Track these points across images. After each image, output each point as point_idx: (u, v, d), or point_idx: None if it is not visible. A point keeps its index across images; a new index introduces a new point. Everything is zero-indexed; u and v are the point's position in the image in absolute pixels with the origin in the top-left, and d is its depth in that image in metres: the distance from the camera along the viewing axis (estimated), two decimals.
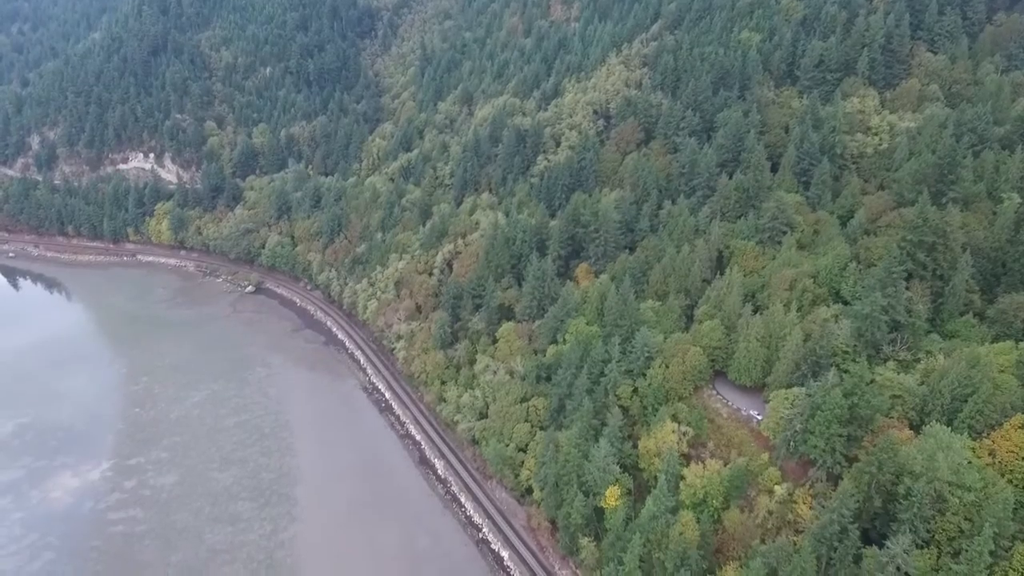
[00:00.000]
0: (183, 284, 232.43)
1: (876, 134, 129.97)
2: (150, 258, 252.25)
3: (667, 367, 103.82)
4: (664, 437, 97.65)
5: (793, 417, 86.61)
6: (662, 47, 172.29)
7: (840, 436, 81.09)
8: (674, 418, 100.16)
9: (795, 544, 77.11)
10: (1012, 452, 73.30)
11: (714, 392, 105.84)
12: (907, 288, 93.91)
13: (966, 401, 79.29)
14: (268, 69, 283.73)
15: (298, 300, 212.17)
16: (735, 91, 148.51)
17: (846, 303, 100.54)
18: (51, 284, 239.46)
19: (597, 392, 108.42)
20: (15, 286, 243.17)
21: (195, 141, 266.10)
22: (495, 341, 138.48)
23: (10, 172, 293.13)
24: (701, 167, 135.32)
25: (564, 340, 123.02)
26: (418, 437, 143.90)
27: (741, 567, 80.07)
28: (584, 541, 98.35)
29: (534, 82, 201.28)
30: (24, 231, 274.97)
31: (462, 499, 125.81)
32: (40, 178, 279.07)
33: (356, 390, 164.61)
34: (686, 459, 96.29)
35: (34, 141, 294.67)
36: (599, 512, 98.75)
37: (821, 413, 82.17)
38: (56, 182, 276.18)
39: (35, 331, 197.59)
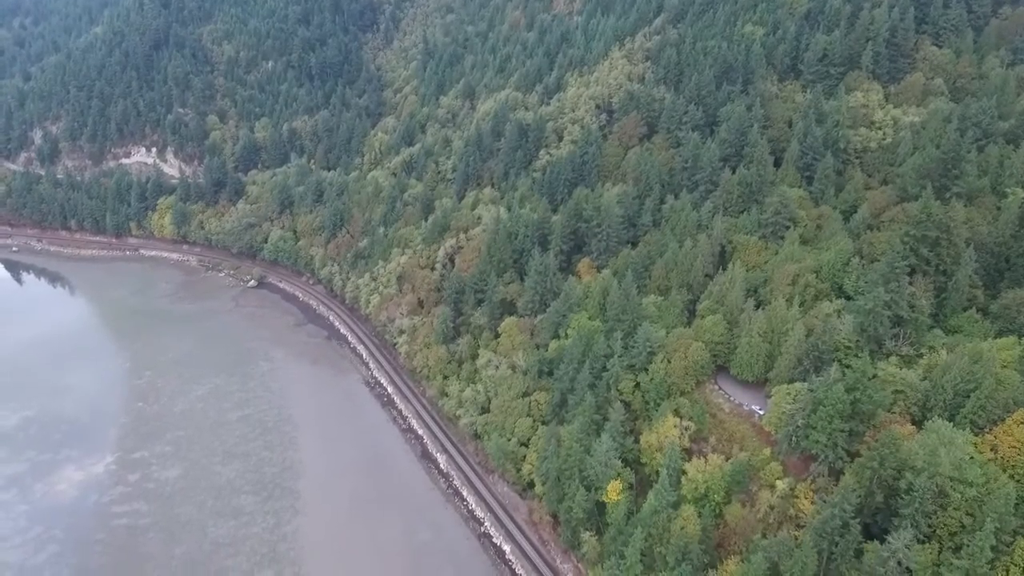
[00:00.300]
0: (186, 278, 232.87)
1: (880, 128, 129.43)
2: (153, 252, 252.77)
3: (669, 362, 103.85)
4: (666, 432, 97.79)
5: (795, 412, 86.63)
6: (665, 41, 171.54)
7: (842, 431, 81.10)
8: (676, 413, 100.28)
9: (796, 539, 77.26)
10: (1014, 448, 73.26)
11: (716, 387, 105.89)
12: (910, 283, 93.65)
13: (968, 396, 79.21)
14: (270, 63, 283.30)
15: (300, 295, 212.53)
16: (738, 85, 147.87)
17: (849, 298, 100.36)
18: (54, 278, 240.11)
19: (599, 387, 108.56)
20: (19, 280, 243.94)
21: (197, 135, 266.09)
22: (497, 336, 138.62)
23: (13, 166, 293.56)
24: (704, 162, 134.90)
25: (566, 335, 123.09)
26: (420, 431, 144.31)
27: (742, 561, 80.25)
28: (586, 535, 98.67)
29: (536, 76, 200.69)
30: (27, 225, 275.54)
31: (464, 493, 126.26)
32: (43, 172, 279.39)
33: (358, 384, 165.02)
34: (688, 454, 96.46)
35: (37, 135, 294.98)
36: (601, 506, 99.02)
37: (823, 408, 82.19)
38: (59, 176, 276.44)
39: (39, 325, 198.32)
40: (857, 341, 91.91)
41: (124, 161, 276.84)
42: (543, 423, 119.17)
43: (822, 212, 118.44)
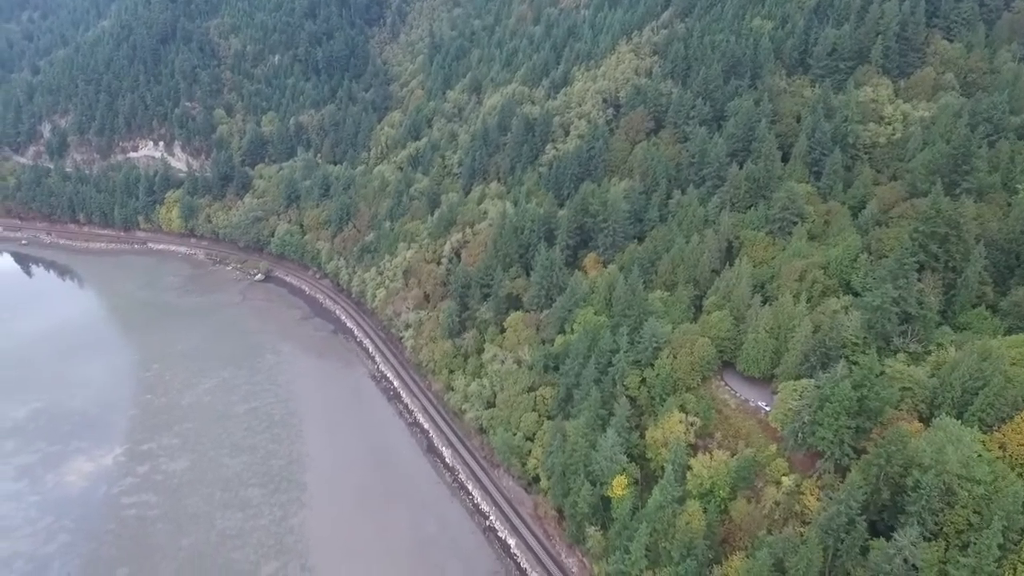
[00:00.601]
0: (193, 272, 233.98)
1: (889, 124, 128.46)
2: (160, 246, 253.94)
3: (675, 357, 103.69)
4: (671, 427, 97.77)
5: (801, 408, 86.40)
6: (673, 35, 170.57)
7: (848, 428, 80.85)
8: (682, 408, 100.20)
9: (802, 535, 77.16)
10: (1023, 446, 72.84)
11: (722, 383, 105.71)
12: (919, 280, 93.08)
13: (977, 394, 78.78)
14: (277, 57, 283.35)
15: (307, 288, 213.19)
16: (746, 80, 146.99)
17: (856, 295, 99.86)
18: (63, 271, 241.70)
19: (605, 382, 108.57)
20: (28, 273, 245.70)
21: (204, 129, 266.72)
22: (503, 330, 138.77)
23: (22, 160, 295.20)
24: (711, 157, 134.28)
25: (572, 330, 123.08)
26: (426, 425, 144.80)
27: (747, 557, 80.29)
28: (591, 530, 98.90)
29: (543, 70, 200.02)
30: (36, 218, 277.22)
31: (469, 487, 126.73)
32: (52, 166, 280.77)
33: (365, 378, 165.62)
34: (693, 449, 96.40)
35: (45, 129, 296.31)
36: (606, 501, 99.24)
37: (830, 405, 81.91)
38: (67, 170, 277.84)
39: (48, 317, 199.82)
40: (865, 338, 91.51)
41: (132, 155, 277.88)
42: (549, 418, 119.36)
43: (830, 208, 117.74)
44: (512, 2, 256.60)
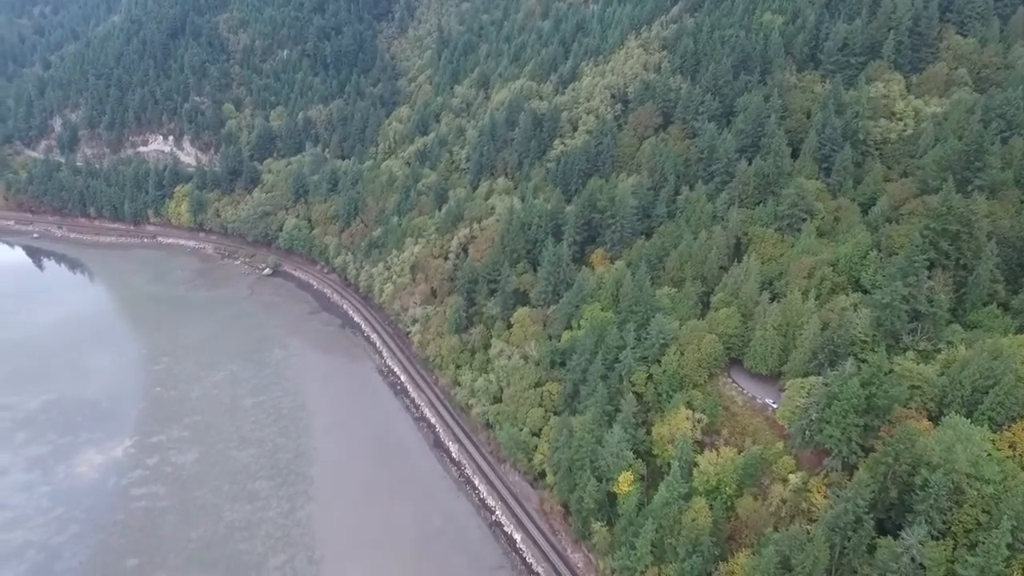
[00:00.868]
0: (202, 266, 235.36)
1: (901, 119, 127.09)
2: (170, 240, 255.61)
3: (682, 354, 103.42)
4: (678, 424, 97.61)
5: (809, 406, 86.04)
6: (682, 30, 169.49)
7: (856, 426, 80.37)
8: (688, 405, 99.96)
9: (808, 533, 76.89)
10: None
11: (729, 380, 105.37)
12: (929, 277, 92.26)
13: (987, 393, 78.11)
14: (285, 52, 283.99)
15: (315, 283, 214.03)
16: (756, 75, 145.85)
17: (866, 292, 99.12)
18: (74, 265, 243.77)
19: (611, 378, 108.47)
20: (40, 266, 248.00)
21: (213, 124, 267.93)
22: (510, 326, 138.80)
23: (34, 154, 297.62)
24: (720, 152, 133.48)
25: (579, 326, 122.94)
26: (433, 420, 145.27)
27: (753, 554, 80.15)
28: (596, 525, 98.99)
29: (551, 65, 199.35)
30: (48, 212, 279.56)
31: (476, 482, 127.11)
32: (63, 160, 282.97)
33: (372, 373, 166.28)
34: (700, 446, 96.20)
35: (56, 123, 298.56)
36: (612, 497, 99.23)
37: (838, 403, 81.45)
38: (78, 164, 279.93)
39: (59, 310, 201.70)
40: (874, 335, 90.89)
41: (142, 149, 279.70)
42: (555, 413, 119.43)
43: (840, 204, 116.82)
44: None
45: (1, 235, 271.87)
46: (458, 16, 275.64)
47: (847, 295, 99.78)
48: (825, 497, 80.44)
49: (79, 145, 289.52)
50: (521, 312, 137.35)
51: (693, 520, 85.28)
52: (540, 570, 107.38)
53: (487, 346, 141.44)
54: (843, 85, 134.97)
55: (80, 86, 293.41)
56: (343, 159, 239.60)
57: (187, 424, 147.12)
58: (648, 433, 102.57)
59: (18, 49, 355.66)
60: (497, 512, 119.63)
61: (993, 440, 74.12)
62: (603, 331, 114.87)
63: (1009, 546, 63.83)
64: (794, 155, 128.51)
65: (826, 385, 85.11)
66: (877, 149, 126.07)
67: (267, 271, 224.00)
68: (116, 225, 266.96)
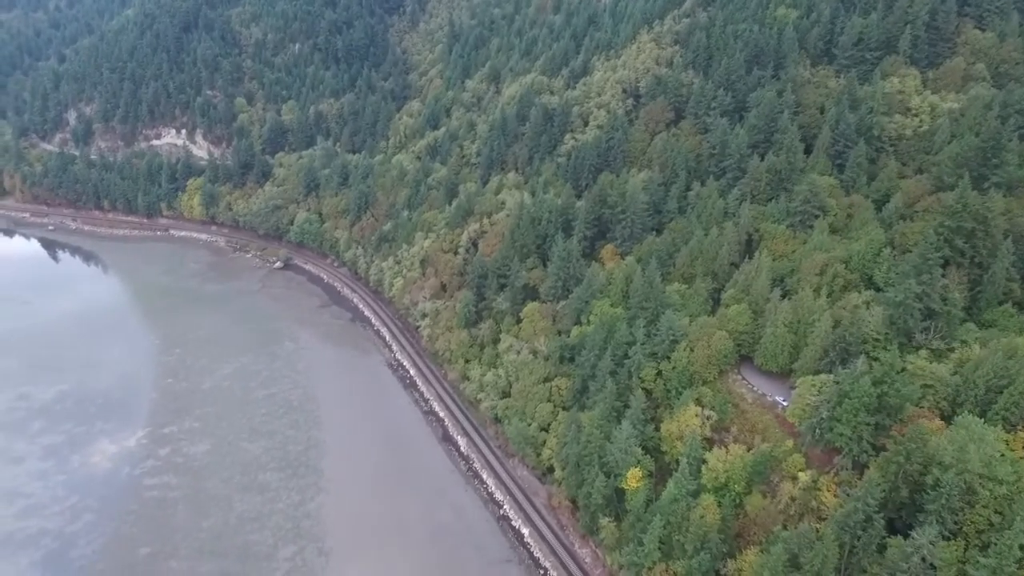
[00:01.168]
0: (214, 259, 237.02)
1: (916, 115, 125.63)
2: (182, 233, 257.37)
3: (692, 351, 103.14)
4: (687, 421, 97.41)
5: (820, 404, 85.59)
6: (694, 24, 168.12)
7: (867, 425, 79.91)
8: (698, 402, 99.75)
9: (818, 531, 76.64)
10: None
11: (739, 377, 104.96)
12: (943, 275, 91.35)
13: (1001, 392, 77.37)
14: (297, 46, 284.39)
15: (325, 276, 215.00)
16: (769, 70, 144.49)
17: (879, 290, 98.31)
18: (88, 257, 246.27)
19: (621, 374, 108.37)
20: (55, 258, 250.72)
21: (225, 117, 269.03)
22: (519, 321, 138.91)
23: (49, 147, 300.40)
24: (732, 148, 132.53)
25: (588, 321, 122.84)
26: (441, 414, 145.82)
27: (762, 552, 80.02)
28: (604, 521, 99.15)
29: (563, 60, 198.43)
30: (63, 205, 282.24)
31: (484, 476, 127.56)
32: (77, 153, 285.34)
33: (381, 366, 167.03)
34: (709, 443, 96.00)
35: (71, 116, 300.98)
36: (620, 493, 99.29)
37: (849, 401, 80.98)
38: (92, 157, 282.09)
39: (74, 301, 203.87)
40: (886, 333, 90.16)
41: (155, 142, 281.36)
42: (564, 409, 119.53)
43: (853, 201, 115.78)
44: None
45: (17, 227, 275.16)
46: (469, 10, 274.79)
47: (859, 293, 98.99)
48: (835, 496, 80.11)
49: (93, 138, 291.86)
50: (530, 307, 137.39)
51: (701, 517, 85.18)
52: (547, 564, 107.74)
53: (496, 341, 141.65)
54: (858, 80, 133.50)
55: (94, 79, 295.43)
56: (354, 153, 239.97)
57: (199, 415, 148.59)
58: (657, 429, 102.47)
59: (34, 43, 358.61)
60: (505, 506, 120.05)
61: (1007, 440, 73.49)
62: (612, 327, 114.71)
63: (1022, 547, 63.27)
64: (807, 151, 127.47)
65: (837, 383, 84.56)
66: (892, 145, 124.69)
67: (278, 264, 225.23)
68: (129, 218, 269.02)
